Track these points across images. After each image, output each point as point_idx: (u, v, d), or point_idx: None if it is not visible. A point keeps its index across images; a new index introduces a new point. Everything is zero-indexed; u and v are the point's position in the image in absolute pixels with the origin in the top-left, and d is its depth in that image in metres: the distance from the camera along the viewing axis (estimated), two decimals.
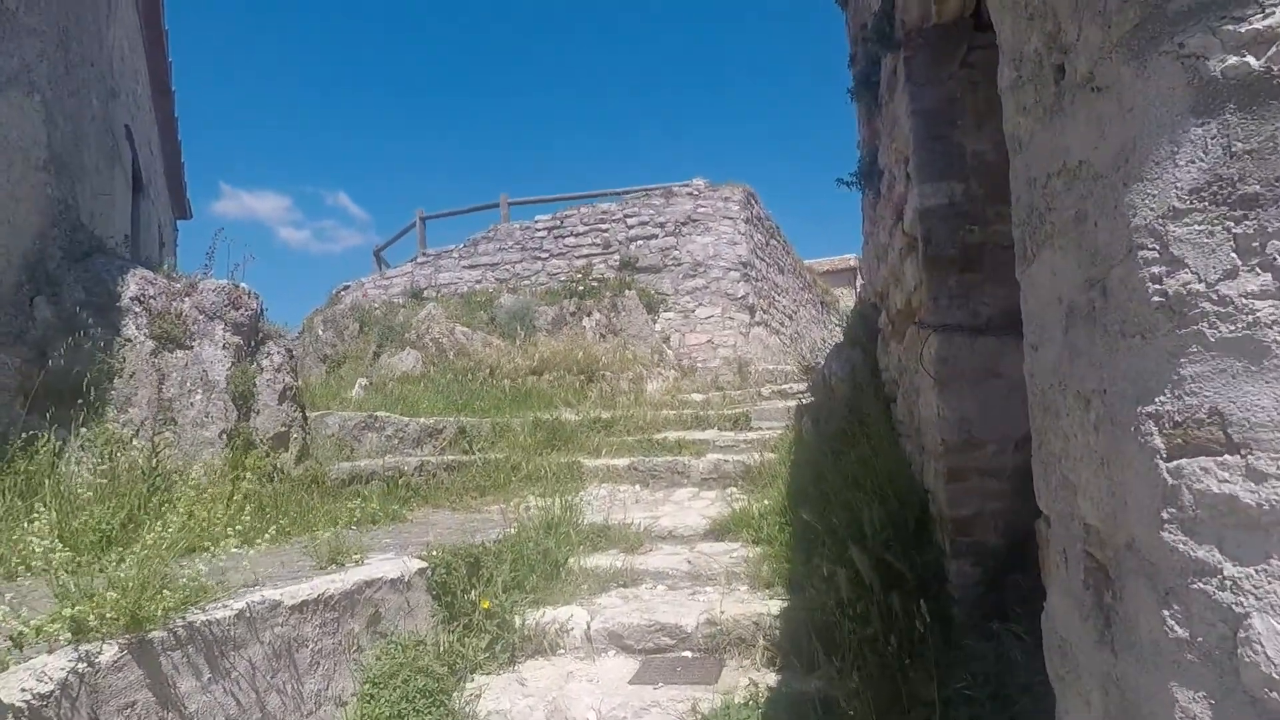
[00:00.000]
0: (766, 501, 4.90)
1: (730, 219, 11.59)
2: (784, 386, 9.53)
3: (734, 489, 5.94)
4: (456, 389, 8.86)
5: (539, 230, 12.40)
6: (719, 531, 4.70)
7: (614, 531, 4.76)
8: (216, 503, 4.18)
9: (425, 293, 12.53)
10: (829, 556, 3.11)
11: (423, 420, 6.55)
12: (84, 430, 4.15)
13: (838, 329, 21.47)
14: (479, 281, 12.43)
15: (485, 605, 3.58)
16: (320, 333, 12.21)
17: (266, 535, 3.68)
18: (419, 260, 12.96)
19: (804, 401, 7.22)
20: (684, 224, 11.67)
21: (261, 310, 5.23)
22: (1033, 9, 1.20)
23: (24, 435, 3.82)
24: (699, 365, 11.09)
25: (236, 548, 3.56)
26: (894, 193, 3.54)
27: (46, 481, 3.59)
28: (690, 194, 11.75)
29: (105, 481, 3.89)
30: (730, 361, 11.02)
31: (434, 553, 3.66)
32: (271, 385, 4.96)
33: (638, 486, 6.35)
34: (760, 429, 7.57)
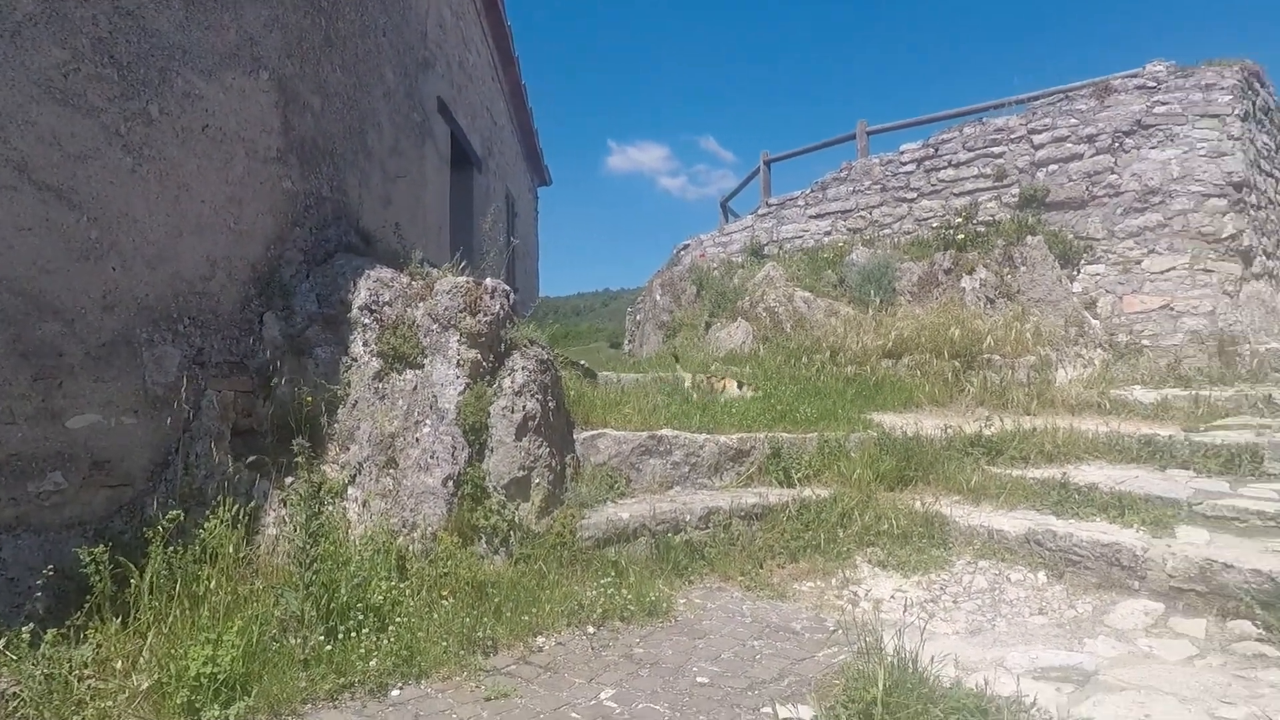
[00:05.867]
0: None
1: (1214, 117, 7.49)
2: None
3: (1248, 625, 3.21)
4: (787, 376, 7.12)
5: (905, 163, 9.73)
6: None
7: None
8: (419, 590, 3.18)
9: (766, 249, 10.89)
10: None
11: (723, 439, 4.97)
12: (290, 480, 3.44)
13: None
14: (827, 233, 10.31)
15: None
16: (658, 297, 11.48)
17: (444, 655, 2.58)
18: (760, 212, 11.32)
19: None
20: (1128, 134, 7.92)
21: (508, 312, 4.11)
22: None
23: (222, 492, 3.19)
24: (1145, 343, 7.54)
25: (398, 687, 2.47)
26: None
27: (201, 576, 2.84)
28: (1141, 87, 7.90)
29: (291, 564, 3.09)
30: (1203, 337, 7.28)
31: None
32: (508, 415, 3.82)
33: (1042, 576, 3.94)
34: None
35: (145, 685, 2.41)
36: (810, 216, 10.58)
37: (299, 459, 3.14)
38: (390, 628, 2.83)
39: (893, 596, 3.87)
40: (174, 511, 2.82)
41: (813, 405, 6.02)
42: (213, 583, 2.85)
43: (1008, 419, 5.76)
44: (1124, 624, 3.41)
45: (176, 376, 3.35)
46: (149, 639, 2.57)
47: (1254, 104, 7.90)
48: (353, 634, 2.74)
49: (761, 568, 4.14)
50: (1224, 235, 7.47)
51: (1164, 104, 7.83)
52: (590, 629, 3.27)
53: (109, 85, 3.11)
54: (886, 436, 5.35)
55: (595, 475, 4.41)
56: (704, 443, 4.90)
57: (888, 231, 9.71)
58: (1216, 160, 7.51)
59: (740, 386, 6.48)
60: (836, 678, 2.77)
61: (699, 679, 2.84)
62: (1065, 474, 4.71)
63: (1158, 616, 3.44)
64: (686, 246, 12.45)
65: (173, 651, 2.52)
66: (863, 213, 10.06)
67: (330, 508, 3.43)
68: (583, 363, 6.36)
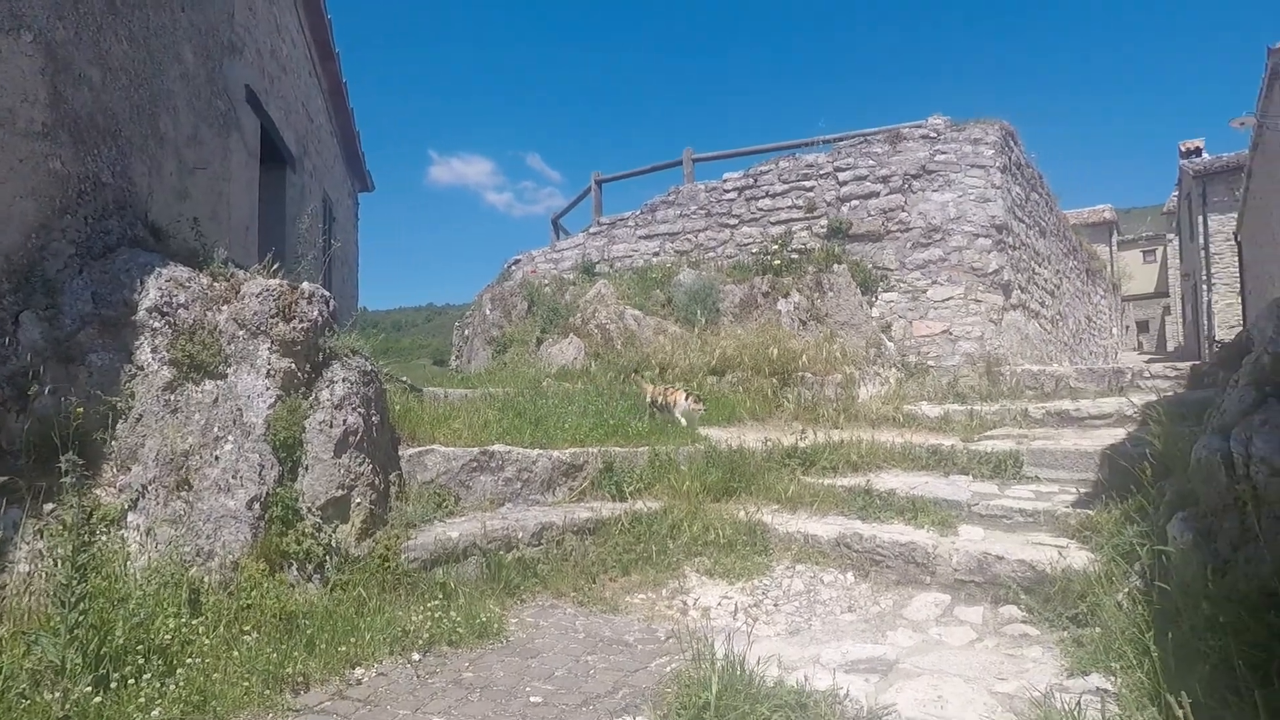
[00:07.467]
0: (1123, 687, 2.58)
1: (981, 168, 8.72)
2: (1061, 405, 6.80)
3: (1015, 609, 3.67)
4: (618, 393, 7.23)
5: (727, 191, 10.33)
6: None
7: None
8: (215, 626, 2.82)
9: (598, 267, 11.04)
10: None
11: (556, 454, 4.93)
12: (51, 507, 2.93)
13: (1102, 303, 17.07)
14: (656, 254, 10.67)
15: None
16: (488, 312, 11.22)
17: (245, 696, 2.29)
18: (592, 230, 11.48)
19: (1122, 446, 4.65)
20: (915, 177, 9.00)
21: (327, 319, 3.81)
22: None
23: None
24: (930, 363, 8.53)
25: None
26: None
27: None
28: (925, 137, 9.02)
29: (51, 605, 2.61)
30: (975, 359, 8.35)
31: None
32: (326, 430, 3.52)
33: (851, 577, 4.27)
34: (1040, 482, 5.10)
35: None
36: (640, 237, 10.88)
37: (66, 480, 2.67)
38: (179, 670, 2.48)
39: (720, 603, 4.01)
40: None
41: (644, 420, 6.15)
42: None
43: (820, 432, 6.21)
44: (919, 615, 3.78)
45: None
46: None
47: (1010, 159, 9.26)
48: (130, 681, 2.36)
49: (594, 582, 4.13)
50: (990, 270, 8.64)
51: (943, 153, 8.96)
52: (415, 655, 3.07)
53: None
54: (713, 449, 5.58)
55: (423, 494, 4.18)
56: (537, 458, 4.82)
57: (712, 255, 10.22)
58: (984, 205, 8.70)
59: (686, 397, 6.59)
60: (670, 686, 2.80)
61: (533, 699, 2.76)
62: (869, 481, 5.16)
63: (945, 607, 3.84)
64: (518, 261, 12.32)
65: None
66: (689, 236, 10.51)
67: (104, 538, 2.96)
68: (406, 379, 6.04)
